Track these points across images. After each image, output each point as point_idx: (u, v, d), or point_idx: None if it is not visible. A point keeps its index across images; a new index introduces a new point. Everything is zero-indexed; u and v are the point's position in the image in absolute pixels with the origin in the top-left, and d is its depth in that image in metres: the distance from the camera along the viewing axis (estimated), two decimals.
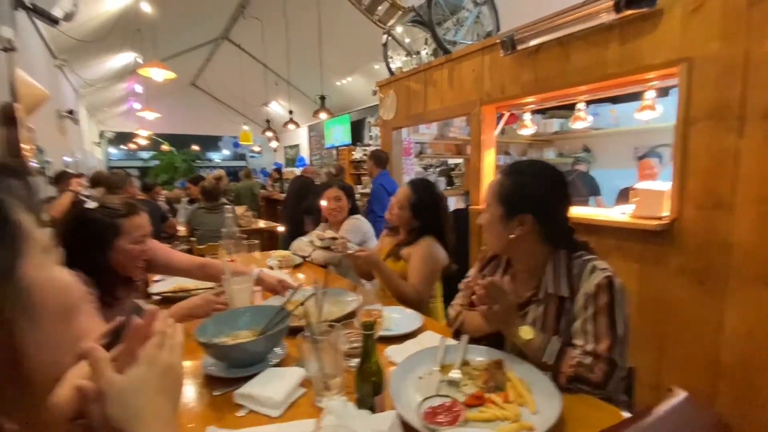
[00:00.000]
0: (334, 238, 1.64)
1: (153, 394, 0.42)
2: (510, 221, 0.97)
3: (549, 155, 4.50)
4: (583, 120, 2.61)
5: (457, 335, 1.09)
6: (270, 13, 5.96)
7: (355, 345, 0.90)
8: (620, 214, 2.04)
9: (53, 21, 3.18)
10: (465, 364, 0.86)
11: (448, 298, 1.86)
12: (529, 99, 2.44)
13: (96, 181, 2.68)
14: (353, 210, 2.23)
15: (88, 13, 4.24)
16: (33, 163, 3.11)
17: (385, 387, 0.71)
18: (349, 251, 1.58)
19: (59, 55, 4.85)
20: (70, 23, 3.55)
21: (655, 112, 2.14)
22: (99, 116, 9.72)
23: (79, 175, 4.05)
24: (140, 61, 5.80)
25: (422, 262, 1.60)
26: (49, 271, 0.38)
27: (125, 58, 6.15)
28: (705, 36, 1.64)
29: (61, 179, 3.26)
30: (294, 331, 0.97)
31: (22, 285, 0.34)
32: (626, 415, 0.75)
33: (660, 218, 1.83)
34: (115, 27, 4.47)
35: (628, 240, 1.93)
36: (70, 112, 4.95)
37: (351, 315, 1.09)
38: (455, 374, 0.80)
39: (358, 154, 8.31)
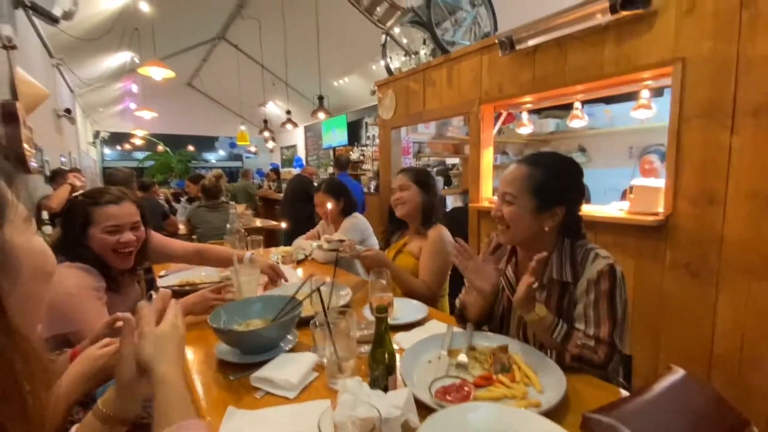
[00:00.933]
0: (341, 241, 1.65)
1: (174, 343, 0.63)
2: (543, 213, 0.99)
3: None
4: (580, 119, 2.66)
5: (460, 321, 1.13)
6: (268, 13, 5.98)
7: (365, 332, 0.93)
8: (617, 210, 2.09)
9: (53, 20, 3.18)
10: (471, 349, 0.89)
11: (452, 294, 1.90)
12: (527, 98, 2.49)
13: (106, 180, 2.71)
14: (349, 208, 2.25)
15: (86, 11, 4.24)
16: (33, 163, 3.11)
17: (396, 369, 0.74)
18: (356, 252, 1.59)
19: (56, 54, 4.83)
20: (68, 22, 3.55)
21: (650, 111, 2.19)
22: (94, 116, 9.67)
23: (75, 170, 4.05)
24: (137, 60, 5.80)
25: (433, 256, 1.61)
26: (27, 238, 0.42)
27: (122, 57, 6.13)
28: (698, 36, 1.69)
29: (56, 176, 3.27)
30: (303, 322, 1.00)
31: (3, 246, 0.38)
32: (625, 394, 0.79)
33: (656, 214, 1.88)
34: (114, 26, 4.47)
35: (624, 235, 1.98)
36: (67, 111, 4.94)
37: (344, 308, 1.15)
38: (463, 358, 0.84)
39: (355, 154, 8.34)
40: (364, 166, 7.66)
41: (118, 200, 1.18)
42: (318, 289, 0.87)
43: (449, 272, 1.71)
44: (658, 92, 2.64)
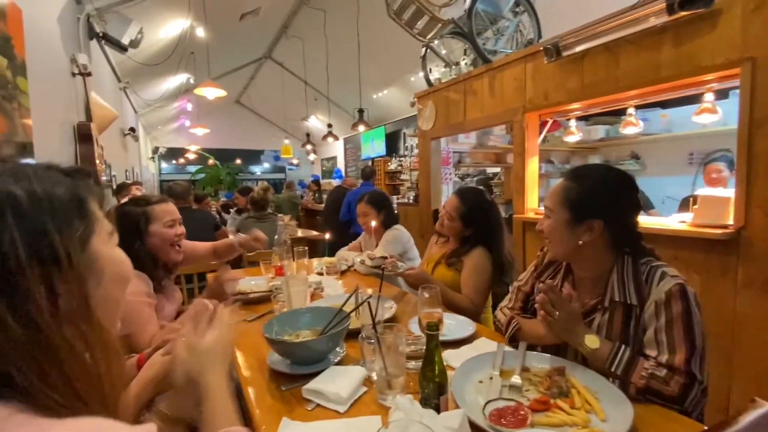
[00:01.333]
0: (384, 257, 1.67)
1: (219, 355, 0.67)
2: (577, 227, 0.95)
3: (594, 162, 4.35)
4: (634, 125, 2.52)
5: (512, 342, 1.08)
6: (311, 31, 6.24)
7: (413, 348, 0.93)
8: (678, 222, 1.94)
9: (122, 48, 3.50)
10: (525, 370, 0.85)
11: (495, 307, 1.86)
12: (575, 105, 2.40)
13: (166, 192, 2.90)
14: (390, 219, 2.24)
15: (150, 39, 4.64)
16: (103, 178, 3.41)
17: (447, 388, 0.73)
18: (399, 270, 1.60)
19: (123, 78, 5.32)
20: (134, 49, 3.90)
21: (715, 115, 2.03)
22: (153, 133, 10.48)
23: (137, 183, 4.38)
24: (192, 81, 6.24)
25: (475, 273, 1.60)
26: (111, 248, 0.50)
27: (179, 79, 6.63)
28: None
29: (122, 189, 3.55)
30: (350, 334, 1.01)
31: (92, 253, 0.45)
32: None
33: (725, 226, 1.73)
34: (174, 51, 4.85)
35: (688, 250, 1.83)
36: (132, 129, 5.39)
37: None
38: (516, 379, 0.80)
39: (393, 165, 8.41)
40: (402, 177, 7.70)
41: (165, 200, 1.34)
42: (368, 302, 0.88)
43: (491, 290, 1.68)
44: (722, 95, 2.45)
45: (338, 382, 0.81)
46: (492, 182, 4.84)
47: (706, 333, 0.84)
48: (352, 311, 0.97)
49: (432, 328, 0.71)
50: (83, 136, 2.69)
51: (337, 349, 0.98)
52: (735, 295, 1.70)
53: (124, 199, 3.14)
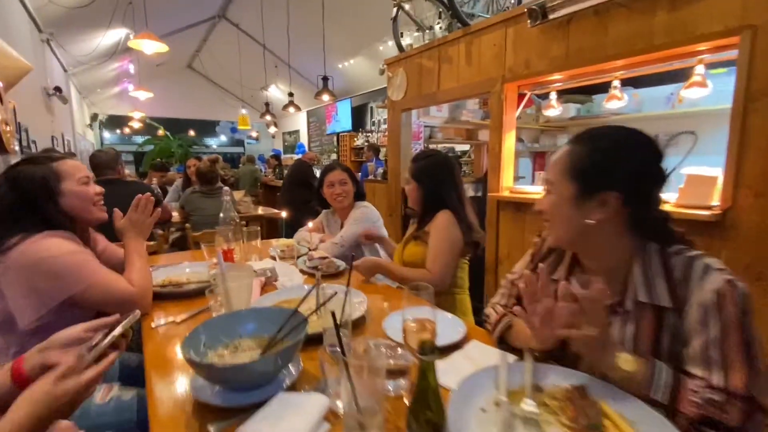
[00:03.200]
0: (323, 258, 1.51)
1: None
2: (586, 202, 0.74)
3: (564, 142, 4.28)
4: (618, 99, 2.39)
5: (501, 344, 0.90)
6: None
7: (390, 362, 0.71)
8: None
9: None
10: (537, 390, 0.66)
11: (472, 290, 1.70)
12: (558, 76, 2.22)
13: (90, 161, 2.46)
14: (359, 194, 2.02)
15: None
16: (14, 143, 2.87)
17: (445, 426, 0.52)
18: (341, 268, 1.48)
19: (45, 28, 4.56)
20: None
21: (705, 90, 1.92)
22: (91, 98, 9.39)
23: (71, 154, 3.81)
24: (132, 37, 5.50)
25: (437, 239, 1.45)
26: None
27: (117, 34, 5.83)
28: None
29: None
30: (309, 340, 0.78)
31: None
32: None
33: (710, 207, 1.64)
34: None
35: None
36: (58, 89, 4.67)
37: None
38: (530, 407, 0.61)
39: (360, 140, 8.08)
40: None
41: (71, 155, 1.14)
42: (333, 315, 0.63)
43: (459, 260, 1.53)
44: (684, 77, 2.35)
45: (288, 420, 0.58)
46: (462, 160, 4.69)
47: (761, 343, 0.65)
48: (311, 314, 0.73)
49: (426, 351, 0.49)
50: None
51: (290, 366, 0.73)
52: None
53: None
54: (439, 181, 1.53)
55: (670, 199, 1.85)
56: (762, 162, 1.49)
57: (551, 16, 2.05)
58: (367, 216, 1.92)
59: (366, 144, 7.41)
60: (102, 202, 1.19)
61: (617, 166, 0.74)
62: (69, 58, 5.73)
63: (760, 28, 1.47)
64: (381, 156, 5.93)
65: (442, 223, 1.47)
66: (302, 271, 1.47)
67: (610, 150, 0.75)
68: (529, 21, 2.13)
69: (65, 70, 6.34)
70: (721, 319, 0.64)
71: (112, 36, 5.82)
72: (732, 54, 1.59)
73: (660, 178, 0.75)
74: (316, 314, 0.76)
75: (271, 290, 1.24)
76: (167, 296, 1.20)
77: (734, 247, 1.58)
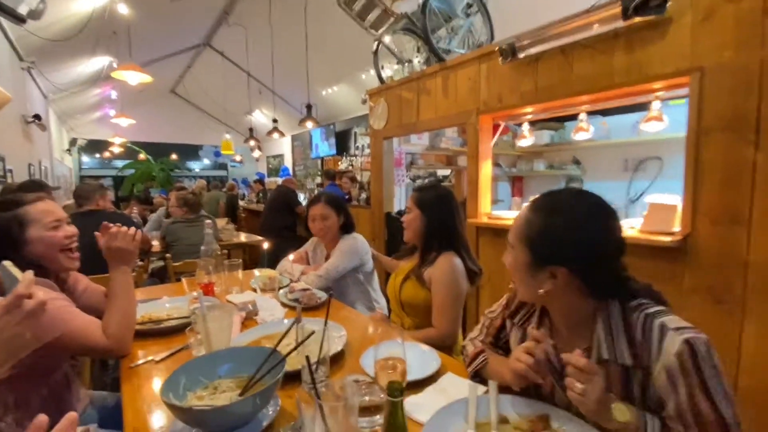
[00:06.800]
0: (305, 290, 1.52)
1: None
2: (538, 271, 0.78)
3: (539, 167, 4.46)
4: (585, 131, 2.54)
5: (475, 378, 0.92)
6: (255, 19, 5.81)
7: (365, 399, 0.74)
8: (628, 228, 1.95)
9: (18, 18, 2.93)
10: (503, 421, 0.69)
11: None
12: (529, 109, 2.35)
13: (74, 194, 2.44)
14: (348, 225, 1.99)
15: (58, 12, 3.98)
16: None
17: None
18: (322, 300, 1.46)
19: (27, 57, 4.55)
20: (38, 22, 3.30)
21: (662, 123, 2.07)
22: (70, 123, 9.27)
23: (45, 187, 3.75)
24: (115, 65, 5.53)
25: (443, 293, 1.41)
26: None
27: (99, 62, 5.85)
28: (717, 45, 1.58)
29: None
30: (288, 376, 0.80)
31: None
32: None
33: (672, 233, 1.74)
34: (88, 28, 4.22)
35: (637, 256, 1.83)
36: (37, 117, 4.63)
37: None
38: None
39: (343, 164, 8.17)
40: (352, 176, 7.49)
41: (41, 198, 1.10)
42: (308, 359, 0.66)
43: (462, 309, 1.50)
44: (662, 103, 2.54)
45: None
46: (443, 184, 4.80)
47: (731, 390, 0.68)
48: (289, 353, 0.76)
49: (395, 392, 0.52)
50: None
51: (268, 407, 0.75)
52: (682, 301, 1.71)
53: None
54: (444, 215, 1.50)
55: (635, 224, 1.96)
56: (716, 192, 1.60)
57: (520, 55, 2.19)
58: (355, 249, 1.87)
59: (351, 165, 7.51)
60: (75, 245, 1.13)
61: (568, 244, 0.75)
62: (49, 85, 5.70)
63: (708, 69, 1.61)
64: (335, 181, 5.77)
65: (448, 272, 1.42)
66: (283, 304, 1.48)
67: (561, 227, 0.77)
68: (501, 59, 2.27)
69: (45, 97, 6.29)
70: (686, 383, 0.66)
71: (94, 64, 5.84)
72: (685, 91, 1.72)
73: (614, 244, 0.77)
74: (295, 352, 0.78)
75: (252, 325, 1.25)
76: (147, 333, 1.20)
77: (696, 272, 1.66)
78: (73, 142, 9.43)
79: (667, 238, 1.71)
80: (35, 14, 3.03)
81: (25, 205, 1.05)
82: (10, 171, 3.60)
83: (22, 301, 0.55)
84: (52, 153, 6.72)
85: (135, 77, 3.68)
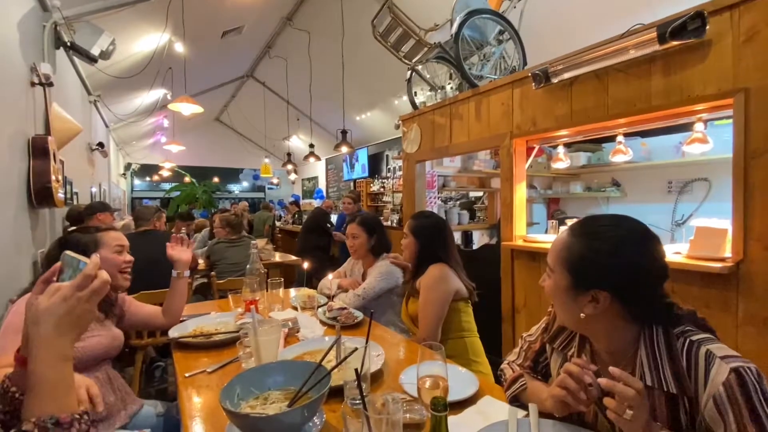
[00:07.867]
0: (342, 309, 1.62)
1: (61, 316, 0.58)
2: (579, 295, 0.77)
3: (576, 189, 4.35)
4: (624, 153, 2.49)
5: (513, 402, 0.92)
6: (294, 51, 6.19)
7: (408, 416, 0.76)
8: (673, 253, 1.88)
9: (91, 59, 3.30)
10: None
11: (488, 339, 1.73)
12: (563, 132, 2.35)
13: (134, 215, 2.74)
14: (381, 246, 2.05)
15: (124, 51, 4.44)
16: (60, 194, 3.14)
17: None
18: (359, 319, 1.56)
19: (94, 91, 5.06)
20: (107, 62, 3.70)
21: (707, 145, 2.01)
22: (126, 149, 10.08)
23: (107, 208, 4.10)
24: (169, 97, 6.03)
25: (423, 298, 1.56)
26: None
27: (156, 94, 6.40)
28: (762, 65, 1.54)
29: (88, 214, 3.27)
30: (331, 393, 0.84)
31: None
32: None
33: (723, 259, 1.66)
34: (148, 65, 4.67)
35: (685, 282, 1.75)
36: (100, 144, 5.10)
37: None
38: None
39: (376, 186, 8.33)
40: (385, 198, 7.61)
41: (114, 228, 1.42)
42: (357, 372, 0.70)
43: (459, 304, 1.62)
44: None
45: None
46: (475, 206, 4.78)
47: None
48: (333, 369, 0.80)
49: (438, 407, 0.55)
50: (39, 150, 2.46)
51: (315, 419, 0.79)
52: (736, 332, 1.61)
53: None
54: (433, 240, 1.69)
55: (681, 250, 1.89)
56: None
57: (554, 80, 2.21)
58: (391, 271, 1.93)
59: (383, 187, 7.62)
60: (129, 270, 1.36)
61: (610, 268, 0.75)
62: (111, 116, 6.29)
63: (753, 90, 1.57)
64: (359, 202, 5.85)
65: (432, 279, 1.58)
66: (322, 322, 1.54)
67: (603, 252, 0.76)
68: (533, 84, 2.30)
69: (107, 126, 6.92)
70: (734, 413, 0.65)
71: (151, 96, 6.39)
72: (730, 112, 1.68)
73: (659, 276, 0.76)
74: (336, 369, 0.83)
75: (293, 341, 1.31)
76: (199, 346, 1.29)
77: (750, 300, 1.57)
78: (127, 166, 10.23)
79: (717, 264, 1.63)
80: (105, 55, 3.40)
81: (101, 232, 1.33)
82: (76, 194, 3.97)
83: (89, 280, 0.62)
84: (110, 177, 7.32)
85: (188, 108, 4.01)
